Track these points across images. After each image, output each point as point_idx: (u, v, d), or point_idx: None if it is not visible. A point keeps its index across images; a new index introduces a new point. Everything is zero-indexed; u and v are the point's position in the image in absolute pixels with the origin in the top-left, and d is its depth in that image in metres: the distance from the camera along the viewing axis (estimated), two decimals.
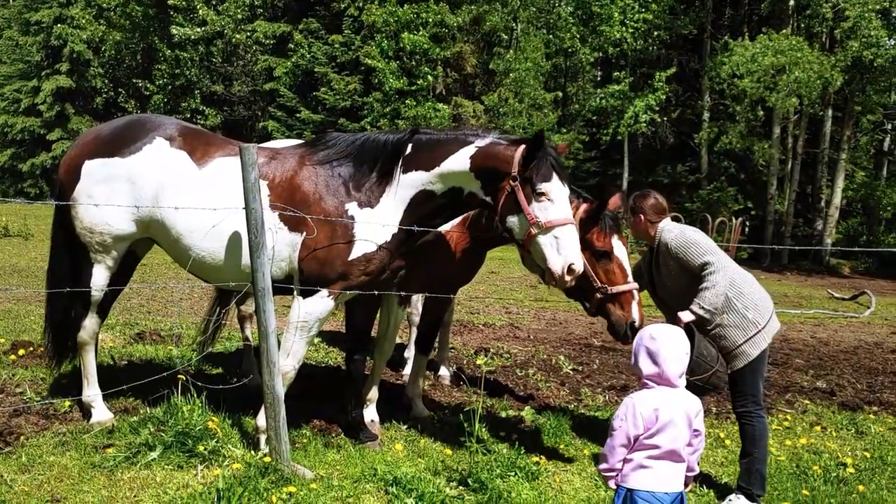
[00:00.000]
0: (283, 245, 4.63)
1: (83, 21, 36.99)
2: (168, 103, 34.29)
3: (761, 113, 25.46)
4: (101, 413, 5.16)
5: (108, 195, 4.76)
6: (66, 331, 5.25)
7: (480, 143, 4.55)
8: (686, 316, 4.50)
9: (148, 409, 5.23)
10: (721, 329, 4.58)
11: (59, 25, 38.16)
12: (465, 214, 5.34)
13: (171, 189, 4.70)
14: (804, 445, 5.75)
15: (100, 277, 4.99)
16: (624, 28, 26.84)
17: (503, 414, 6.10)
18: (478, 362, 7.88)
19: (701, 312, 4.47)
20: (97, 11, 37.65)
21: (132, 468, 4.40)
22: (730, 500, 4.57)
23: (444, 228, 5.34)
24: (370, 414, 5.59)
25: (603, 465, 3.28)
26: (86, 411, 5.23)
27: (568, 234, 4.29)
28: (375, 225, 4.60)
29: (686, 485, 3.29)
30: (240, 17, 32.19)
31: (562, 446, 5.40)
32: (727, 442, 5.71)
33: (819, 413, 6.80)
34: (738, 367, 4.59)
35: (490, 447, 5.04)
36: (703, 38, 29.11)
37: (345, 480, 4.45)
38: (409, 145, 4.67)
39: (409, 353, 7.28)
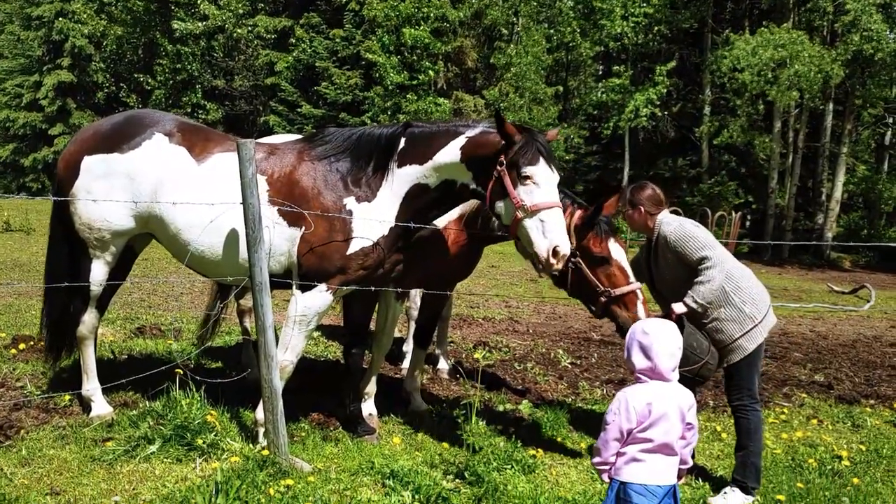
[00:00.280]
0: (282, 240, 4.65)
1: (84, 16, 36.93)
2: (169, 98, 34.27)
3: (762, 107, 25.40)
4: (101, 407, 5.19)
5: (107, 191, 4.78)
6: (64, 326, 5.27)
7: (470, 133, 4.55)
8: (679, 308, 4.52)
9: (147, 402, 5.28)
10: (718, 323, 4.60)
11: (60, 20, 38.10)
12: (462, 211, 5.36)
13: (169, 185, 4.72)
14: (800, 438, 5.78)
15: (98, 272, 5.01)
16: (625, 22, 26.81)
17: (501, 407, 6.12)
18: (475, 356, 7.91)
19: (694, 306, 4.50)
20: (98, 6, 37.73)
21: (131, 461, 4.44)
22: (725, 492, 4.59)
23: (440, 224, 5.36)
24: (368, 407, 5.63)
25: (596, 459, 3.30)
26: (85, 405, 5.26)
27: (553, 217, 4.24)
28: (373, 219, 4.62)
29: (679, 477, 3.31)
30: (241, 11, 32.23)
31: (559, 439, 5.43)
32: (724, 435, 5.74)
33: (816, 406, 6.84)
34: (735, 361, 4.61)
35: (487, 440, 5.07)
36: (703, 31, 29.05)
37: (342, 473, 4.48)
38: (403, 139, 4.69)
39: (408, 347, 7.32)
